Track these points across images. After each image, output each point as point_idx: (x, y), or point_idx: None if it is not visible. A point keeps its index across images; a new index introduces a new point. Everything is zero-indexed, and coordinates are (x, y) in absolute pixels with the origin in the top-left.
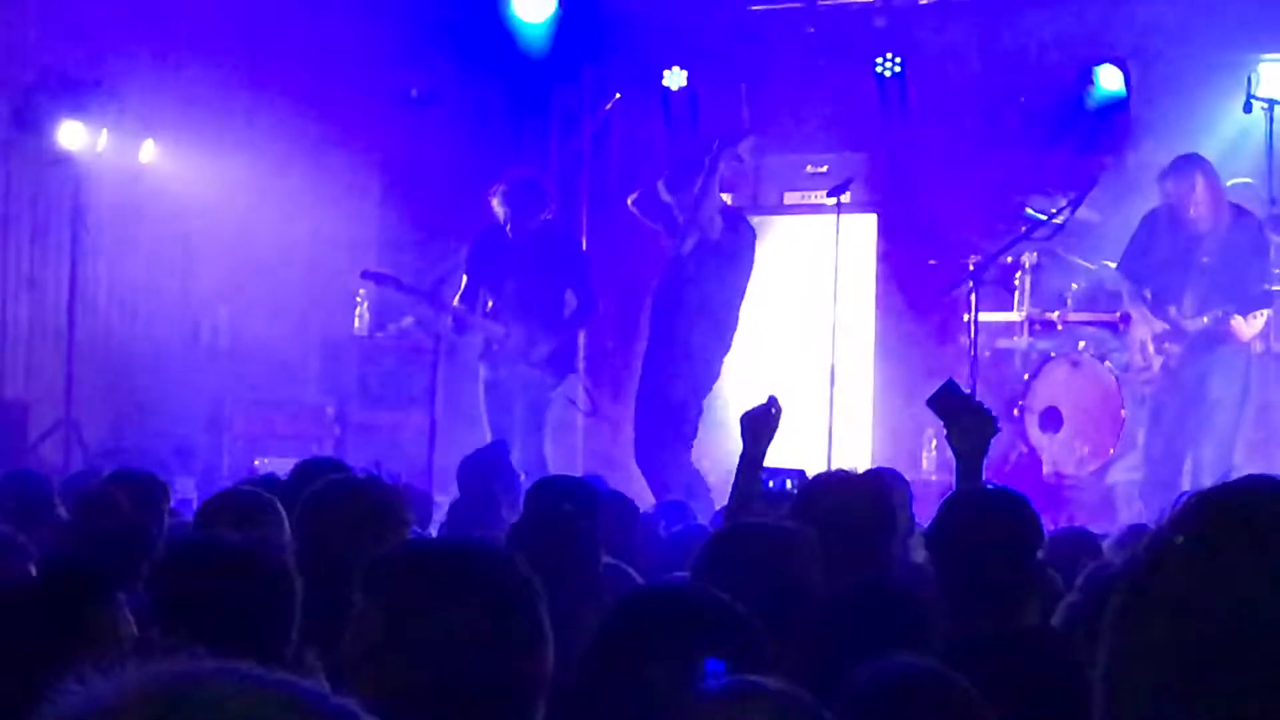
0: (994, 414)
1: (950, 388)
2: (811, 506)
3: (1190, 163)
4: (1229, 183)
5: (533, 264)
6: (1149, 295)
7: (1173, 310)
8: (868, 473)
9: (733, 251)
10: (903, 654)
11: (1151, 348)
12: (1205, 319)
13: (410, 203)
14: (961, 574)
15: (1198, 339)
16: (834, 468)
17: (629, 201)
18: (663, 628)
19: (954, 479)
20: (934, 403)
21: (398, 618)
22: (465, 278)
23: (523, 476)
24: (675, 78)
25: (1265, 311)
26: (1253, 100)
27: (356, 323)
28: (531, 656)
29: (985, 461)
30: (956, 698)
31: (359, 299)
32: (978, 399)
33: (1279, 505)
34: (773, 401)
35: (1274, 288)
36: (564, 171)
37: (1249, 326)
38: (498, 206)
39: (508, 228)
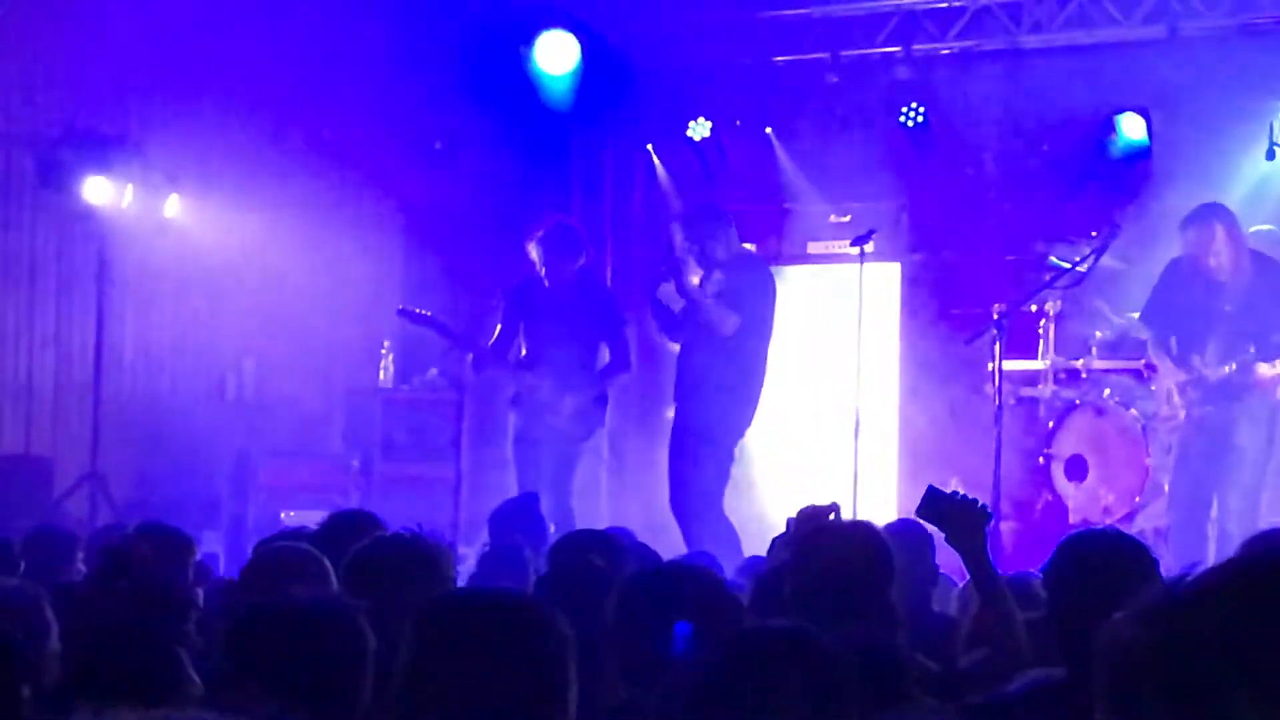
0: (982, 504)
1: (932, 493)
2: (807, 557)
3: (1211, 211)
4: (1251, 229)
5: (568, 314)
6: (1174, 344)
7: (1196, 359)
8: (861, 522)
9: (745, 290)
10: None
11: (1177, 396)
12: (1228, 367)
13: (434, 254)
14: None
15: (1223, 387)
16: (858, 518)
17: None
18: (779, 672)
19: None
20: (922, 512)
21: (434, 663)
22: (500, 326)
23: (552, 528)
24: (699, 129)
25: None
26: (1275, 147)
27: (381, 375)
28: (560, 703)
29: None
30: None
31: (384, 351)
32: (961, 495)
33: None
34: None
35: None
36: (586, 224)
37: (1274, 370)
38: (534, 252)
39: (544, 274)
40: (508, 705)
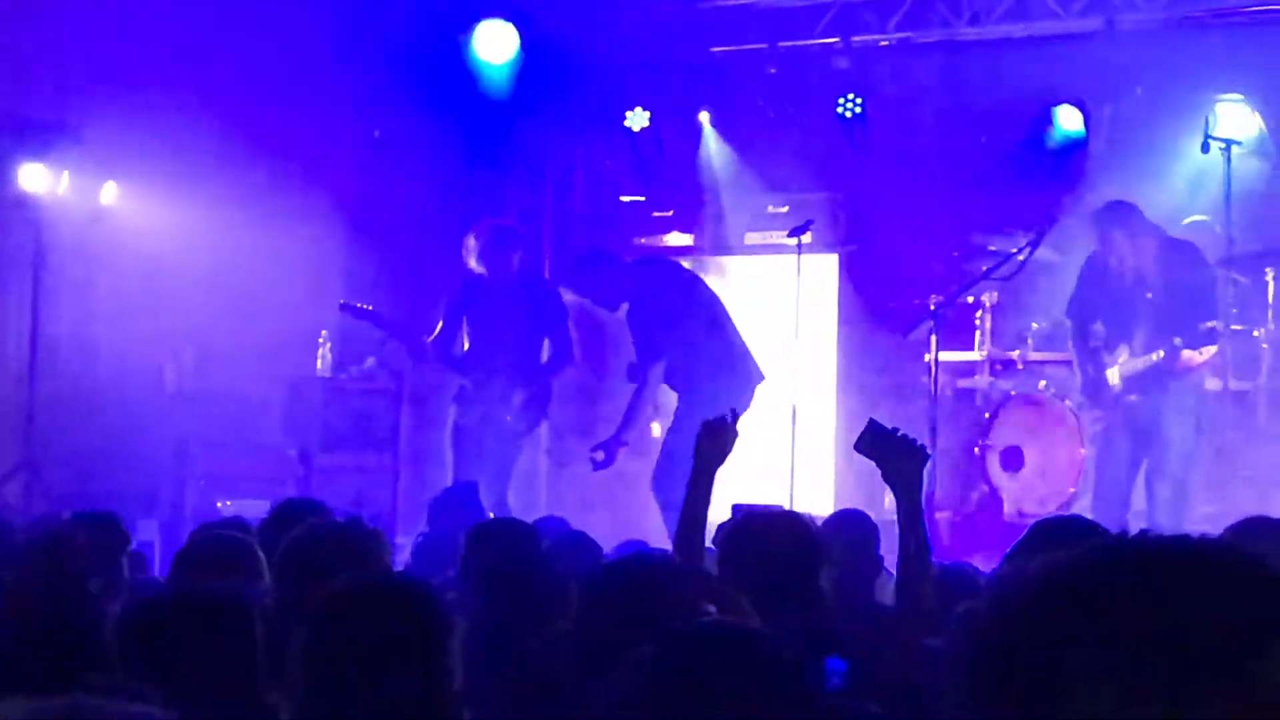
0: (921, 444)
1: (874, 427)
2: (736, 545)
3: (1108, 217)
4: (1186, 221)
5: (510, 311)
6: (1100, 334)
7: (1124, 349)
8: (788, 511)
9: (649, 295)
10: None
11: (1104, 387)
12: (1156, 355)
13: (373, 243)
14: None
15: (1149, 376)
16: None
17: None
18: (719, 670)
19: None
20: (861, 446)
21: (324, 649)
22: (442, 322)
23: (491, 518)
24: (638, 119)
25: (1214, 347)
26: (1210, 140)
27: (320, 364)
28: (440, 683)
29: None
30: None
31: (322, 340)
32: (902, 433)
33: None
34: (733, 415)
35: (1218, 324)
36: (525, 212)
37: (1201, 357)
38: (472, 261)
39: (483, 273)
40: (393, 687)
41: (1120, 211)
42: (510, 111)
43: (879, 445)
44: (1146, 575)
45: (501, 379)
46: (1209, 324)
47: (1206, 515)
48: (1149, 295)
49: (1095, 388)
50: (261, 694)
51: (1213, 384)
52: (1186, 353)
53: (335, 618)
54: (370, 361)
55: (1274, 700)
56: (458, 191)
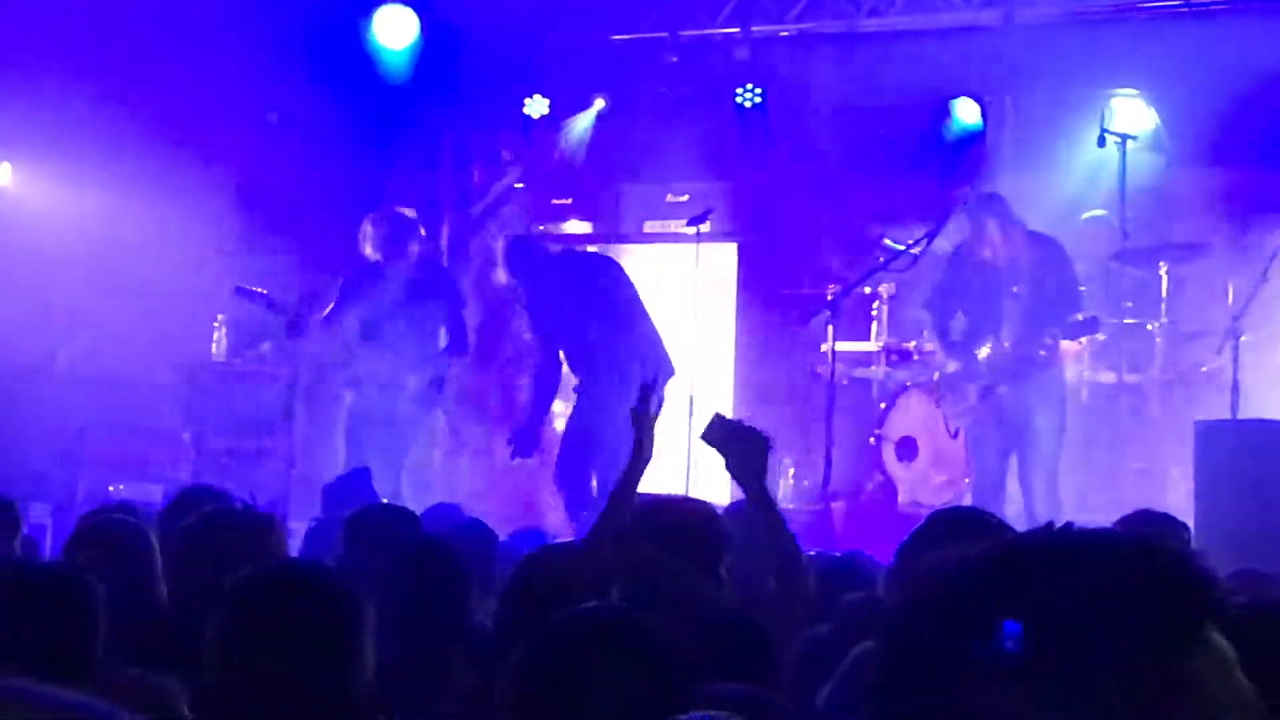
0: (764, 433)
1: (718, 419)
2: (646, 529)
3: (980, 204)
4: (1085, 215)
5: (406, 298)
6: (961, 329)
7: (990, 342)
8: (691, 499)
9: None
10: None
11: (967, 380)
12: (1041, 349)
13: (269, 227)
14: None
15: (1017, 367)
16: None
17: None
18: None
19: (802, 505)
20: (707, 436)
21: (238, 635)
22: (333, 304)
23: (384, 503)
24: (536, 106)
25: (1098, 335)
26: (1106, 134)
27: (214, 348)
28: (354, 672)
29: (836, 487)
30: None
31: (217, 325)
32: (745, 424)
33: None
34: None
35: (1088, 315)
36: (424, 199)
37: (1078, 346)
38: (367, 246)
39: (379, 261)
40: (308, 674)
41: (993, 203)
42: (409, 97)
43: (723, 436)
44: (1066, 567)
45: (394, 365)
46: (1081, 315)
47: (1099, 506)
48: (1016, 289)
49: (956, 382)
50: (104, 674)
51: (1106, 377)
52: (1065, 343)
53: (251, 603)
54: (266, 347)
55: (1188, 694)
56: (355, 177)
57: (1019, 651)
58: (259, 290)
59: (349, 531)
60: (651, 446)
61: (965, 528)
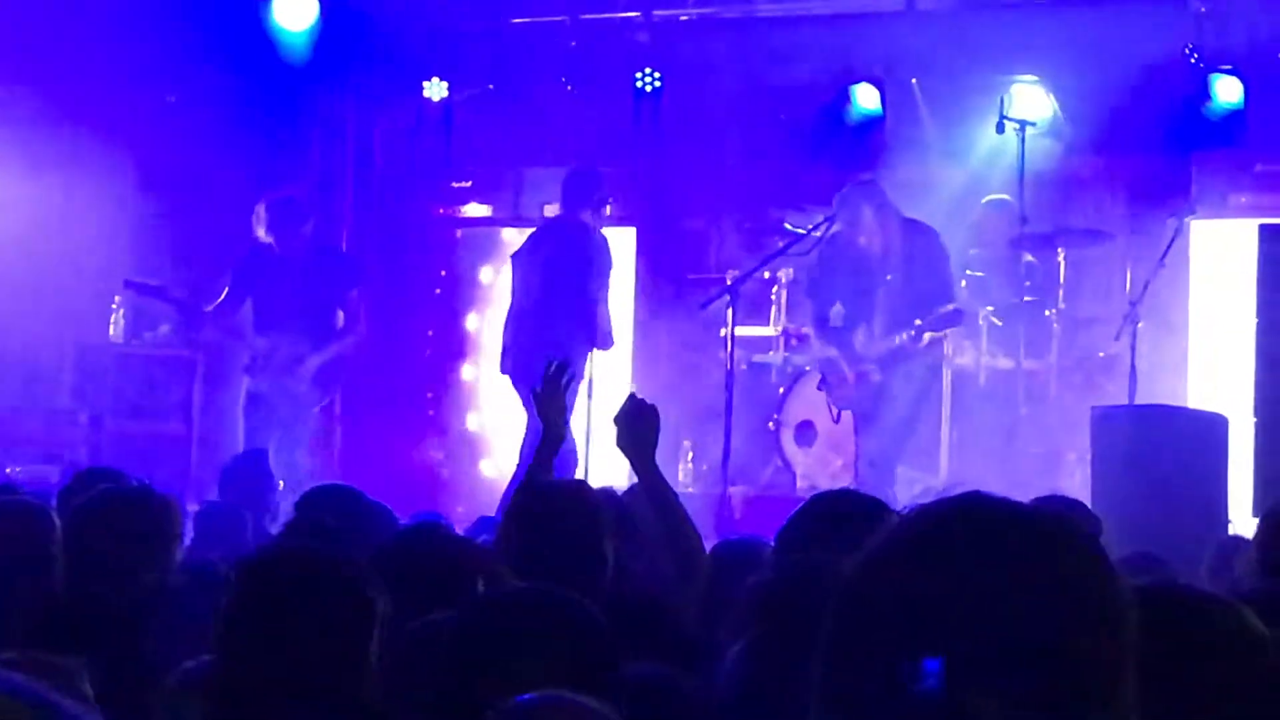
0: (650, 404)
1: (633, 399)
2: (522, 515)
3: (858, 192)
4: (985, 199)
5: (300, 280)
6: (840, 315)
7: (862, 330)
8: (573, 480)
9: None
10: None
11: (846, 365)
12: (900, 337)
13: (169, 209)
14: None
15: (886, 354)
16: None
17: None
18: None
19: (701, 490)
20: (618, 417)
21: (249, 616)
22: (227, 290)
23: (281, 485)
24: (436, 89)
25: (959, 329)
26: (1005, 121)
27: (112, 330)
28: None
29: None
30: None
31: (115, 306)
32: (641, 400)
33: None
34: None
35: (953, 307)
36: (324, 181)
37: (941, 335)
38: (260, 231)
39: (272, 243)
40: (316, 658)
41: (869, 189)
42: (309, 79)
43: (624, 414)
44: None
45: (291, 347)
46: (949, 306)
47: (997, 491)
48: (889, 277)
49: (835, 367)
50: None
51: (1005, 362)
52: (928, 335)
53: (263, 583)
54: (165, 329)
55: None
56: (255, 159)
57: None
58: (151, 282)
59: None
60: (561, 427)
61: (844, 511)
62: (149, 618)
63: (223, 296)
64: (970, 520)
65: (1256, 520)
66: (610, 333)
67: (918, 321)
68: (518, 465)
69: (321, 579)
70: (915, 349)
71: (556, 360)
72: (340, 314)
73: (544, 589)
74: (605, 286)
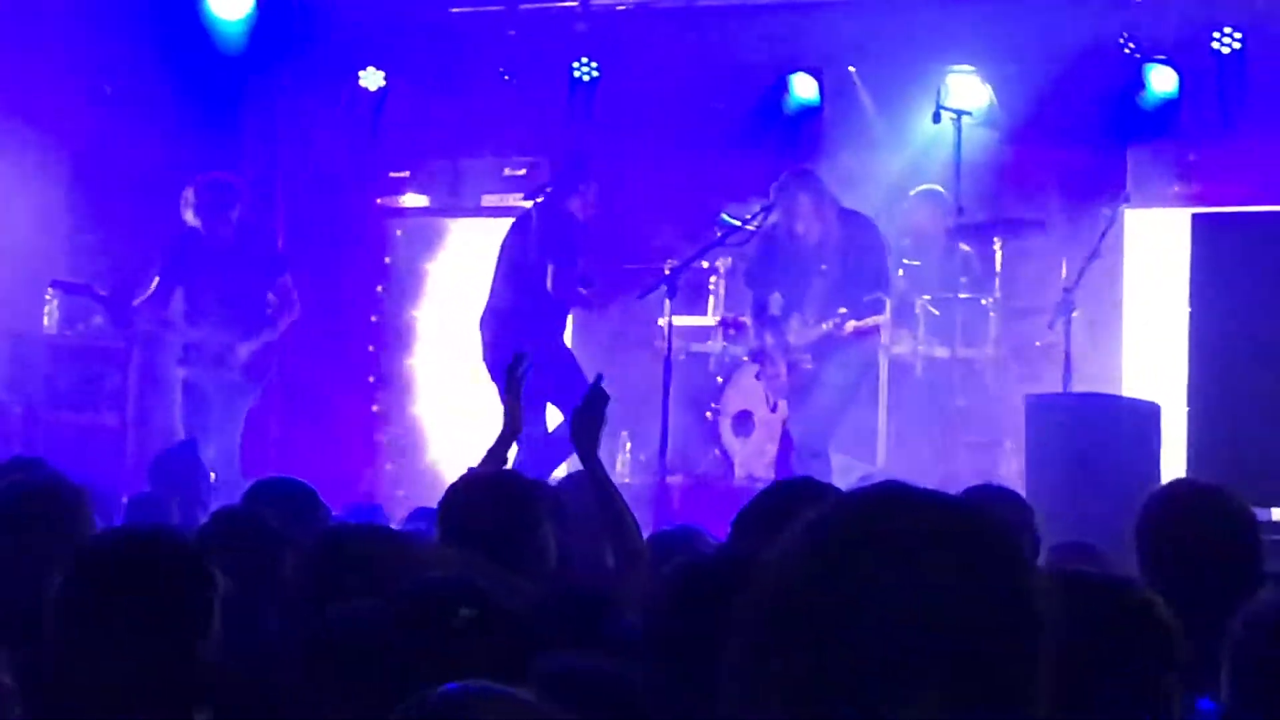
0: (601, 388)
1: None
2: (455, 505)
3: (794, 181)
4: (915, 190)
5: (230, 267)
6: (778, 304)
7: (796, 319)
8: (504, 471)
9: None
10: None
11: (780, 354)
12: (826, 324)
13: (101, 199)
14: None
15: (818, 343)
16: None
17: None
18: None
19: (639, 480)
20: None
21: (84, 601)
22: (157, 280)
23: (213, 476)
24: (372, 78)
25: (880, 316)
26: (942, 111)
27: (46, 320)
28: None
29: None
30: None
31: (49, 297)
32: (601, 386)
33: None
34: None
35: (884, 295)
36: (258, 172)
37: (863, 325)
38: (188, 214)
39: (200, 229)
40: (148, 644)
41: (806, 179)
42: (245, 68)
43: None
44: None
45: (223, 336)
46: (874, 294)
47: (936, 481)
48: (824, 266)
49: (770, 356)
50: None
51: (941, 351)
52: (850, 324)
53: (92, 568)
54: (98, 319)
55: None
56: (191, 148)
57: None
58: (77, 281)
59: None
60: (518, 421)
61: (800, 500)
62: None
63: (153, 287)
64: (883, 513)
65: None
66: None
67: (842, 310)
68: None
69: (155, 559)
70: (844, 337)
71: (519, 353)
72: (272, 300)
73: (458, 580)
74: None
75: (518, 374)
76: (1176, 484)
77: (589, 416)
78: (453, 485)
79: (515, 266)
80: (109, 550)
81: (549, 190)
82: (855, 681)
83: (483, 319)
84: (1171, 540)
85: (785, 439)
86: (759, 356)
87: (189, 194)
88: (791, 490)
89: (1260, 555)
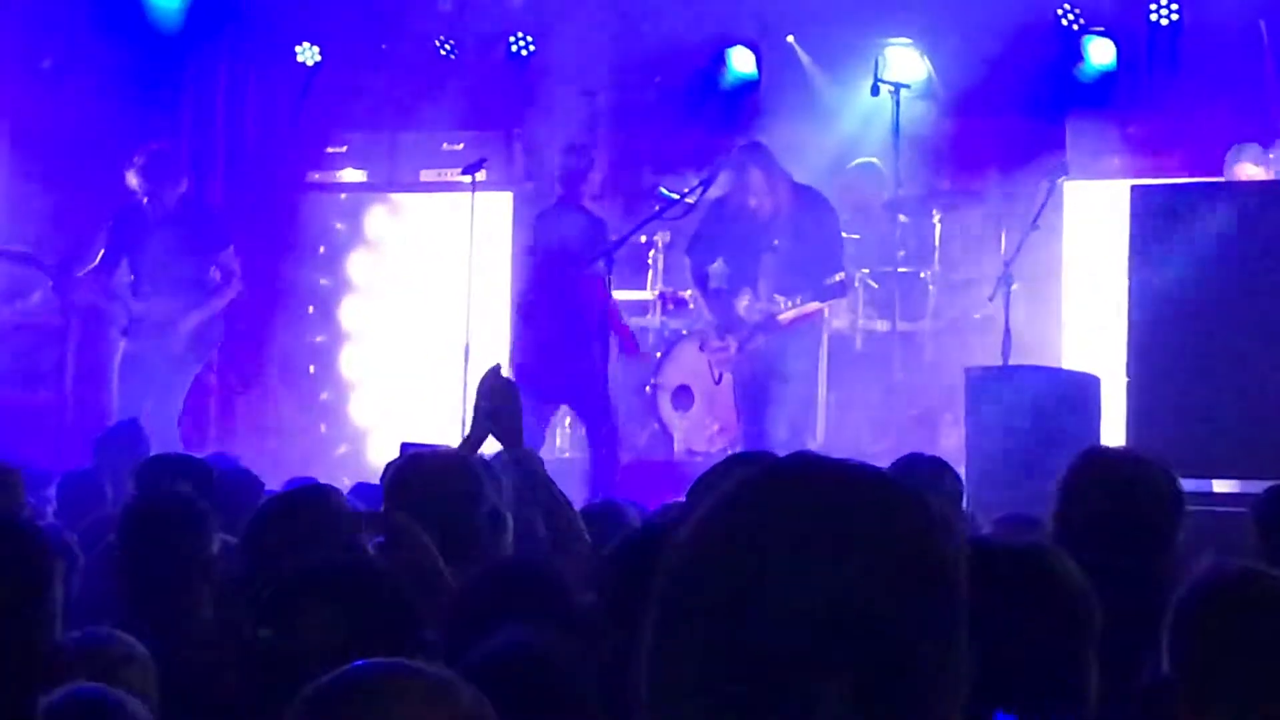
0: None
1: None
2: (403, 484)
3: (746, 154)
4: (855, 162)
5: (174, 239)
6: (723, 278)
7: (747, 294)
8: (448, 450)
9: None
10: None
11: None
12: (789, 303)
13: (41, 174)
14: None
15: (772, 319)
16: None
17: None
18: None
19: (586, 454)
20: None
21: None
22: (102, 253)
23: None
24: (308, 53)
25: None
26: (880, 84)
27: None
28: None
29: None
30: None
31: None
32: (494, 373)
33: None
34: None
35: (843, 275)
36: (197, 148)
37: (822, 307)
38: (133, 180)
39: (145, 202)
40: None
41: (758, 152)
42: (183, 43)
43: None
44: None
45: (166, 308)
46: (837, 276)
47: (876, 454)
48: (776, 242)
49: (721, 331)
50: None
51: (881, 325)
52: (812, 305)
53: None
54: (37, 296)
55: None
56: (128, 123)
57: None
58: (20, 249)
59: (138, 480)
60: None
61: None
62: None
63: (99, 259)
64: (791, 482)
65: None
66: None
67: (807, 294)
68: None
69: None
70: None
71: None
72: (215, 272)
73: (341, 558)
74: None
75: (492, 384)
76: (1092, 450)
77: (505, 409)
78: (395, 463)
79: (551, 280)
80: None
81: (562, 186)
82: (761, 662)
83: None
84: (1082, 504)
85: (742, 414)
86: (703, 329)
87: (138, 160)
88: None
89: (1177, 524)
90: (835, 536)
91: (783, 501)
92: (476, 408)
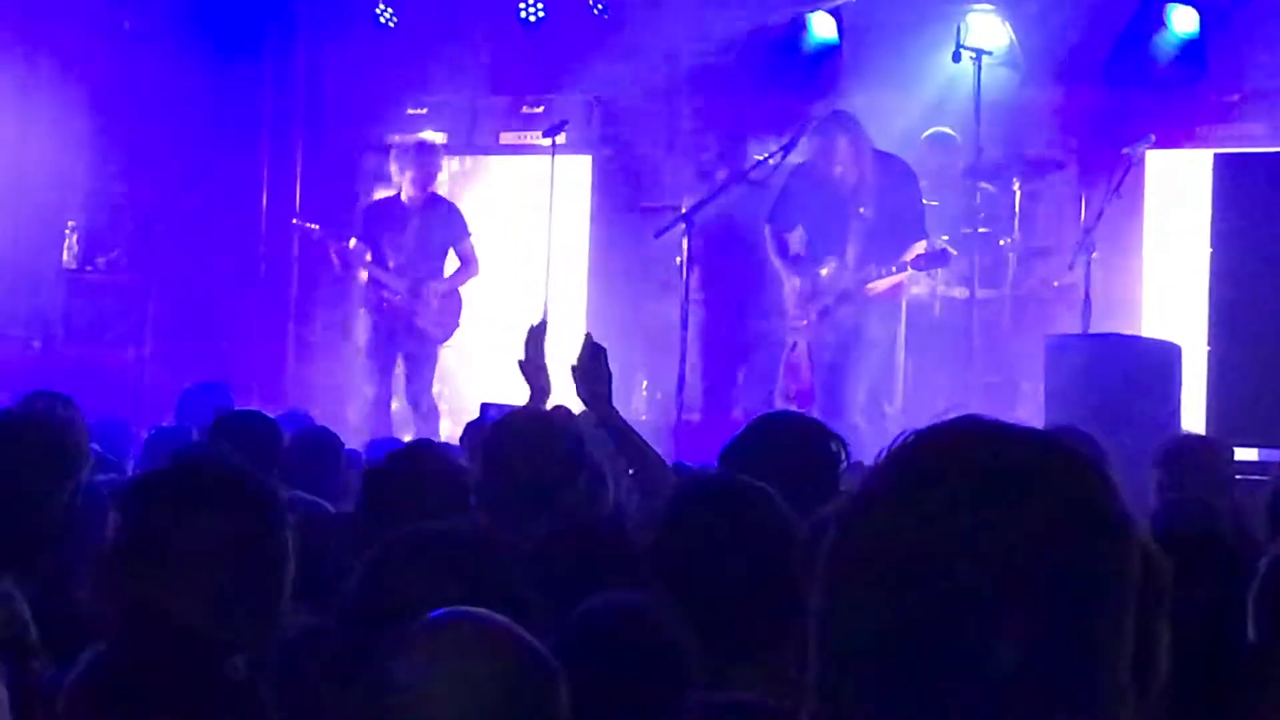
0: (601, 346)
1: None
2: (489, 448)
3: (834, 122)
4: (928, 132)
5: (424, 227)
6: (802, 244)
7: (833, 262)
8: (543, 411)
9: None
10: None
11: (809, 296)
12: (879, 274)
13: (121, 135)
14: None
15: (858, 288)
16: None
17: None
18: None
19: (656, 418)
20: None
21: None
22: (355, 240)
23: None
24: (388, 14)
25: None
26: (961, 50)
27: (65, 255)
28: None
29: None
30: (662, 630)
31: (68, 231)
32: (593, 340)
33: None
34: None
35: (939, 247)
36: (278, 110)
37: (906, 276)
38: (394, 168)
39: (400, 194)
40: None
41: (844, 120)
42: (262, 4)
43: (582, 361)
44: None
45: (409, 289)
46: (920, 245)
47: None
48: (862, 210)
49: (802, 298)
50: None
51: (959, 292)
52: (906, 273)
53: (155, 502)
54: (117, 253)
55: None
56: (207, 85)
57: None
58: (313, 226)
59: (212, 437)
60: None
61: (782, 431)
62: (54, 545)
63: (352, 244)
64: (967, 444)
65: None
66: None
67: (904, 263)
68: None
69: (226, 491)
70: (880, 288)
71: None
72: (453, 256)
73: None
74: None
75: (541, 340)
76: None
77: (593, 375)
78: (495, 423)
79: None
80: (172, 484)
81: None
82: (944, 604)
83: None
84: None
85: (820, 380)
86: (784, 296)
87: (401, 152)
88: (772, 424)
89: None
90: (1016, 487)
91: (969, 452)
92: (528, 363)
